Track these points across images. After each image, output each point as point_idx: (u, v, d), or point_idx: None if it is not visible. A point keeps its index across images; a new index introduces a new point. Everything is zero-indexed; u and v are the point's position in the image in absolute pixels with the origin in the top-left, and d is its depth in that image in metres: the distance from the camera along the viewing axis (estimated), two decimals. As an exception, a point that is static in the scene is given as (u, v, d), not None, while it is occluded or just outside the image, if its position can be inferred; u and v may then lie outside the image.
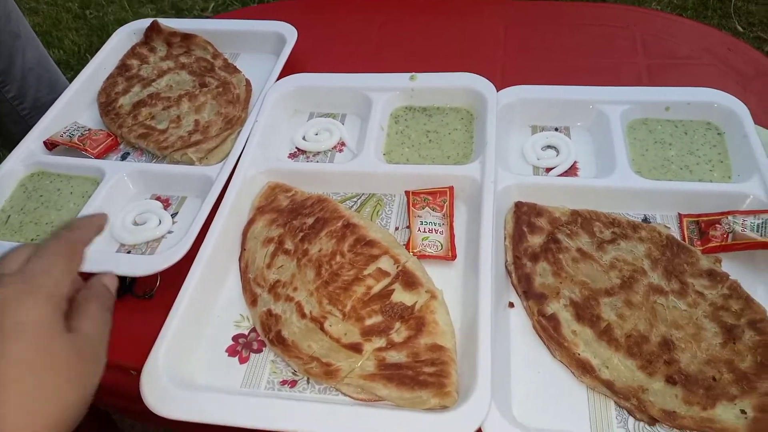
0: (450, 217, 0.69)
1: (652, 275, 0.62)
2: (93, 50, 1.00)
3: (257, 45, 0.98)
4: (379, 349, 0.58)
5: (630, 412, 0.54)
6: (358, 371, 0.57)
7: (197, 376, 0.60)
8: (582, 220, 0.68)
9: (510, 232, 0.67)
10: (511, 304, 0.63)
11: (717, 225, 0.66)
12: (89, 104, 0.92)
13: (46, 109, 0.86)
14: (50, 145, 0.83)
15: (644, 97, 0.79)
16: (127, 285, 0.68)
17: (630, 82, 0.86)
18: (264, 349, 0.62)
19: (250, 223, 0.72)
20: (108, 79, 0.94)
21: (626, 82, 0.86)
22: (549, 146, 0.78)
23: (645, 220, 0.69)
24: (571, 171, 0.75)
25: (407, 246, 0.67)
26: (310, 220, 0.70)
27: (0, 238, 0.73)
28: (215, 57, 0.95)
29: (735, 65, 0.90)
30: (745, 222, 0.64)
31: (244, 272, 0.68)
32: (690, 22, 1.01)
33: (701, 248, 0.65)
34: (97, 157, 0.82)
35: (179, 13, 2.39)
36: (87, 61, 0.95)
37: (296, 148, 0.82)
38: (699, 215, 0.68)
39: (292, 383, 0.59)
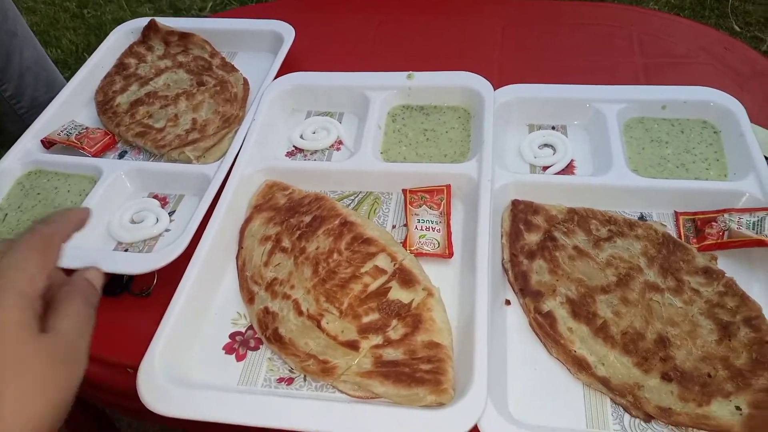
0: (447, 215, 0.69)
1: (648, 273, 0.63)
2: (91, 49, 1.00)
3: (255, 44, 0.98)
4: (376, 347, 0.58)
5: (626, 409, 0.55)
6: (355, 368, 0.57)
7: (194, 374, 0.60)
8: (578, 218, 0.68)
9: (507, 230, 0.68)
10: (508, 302, 0.63)
11: (713, 223, 0.66)
12: (87, 103, 0.92)
13: (44, 108, 0.86)
14: (47, 144, 0.83)
15: (641, 95, 0.79)
16: (124, 283, 0.68)
17: (627, 81, 0.86)
18: (261, 346, 0.62)
19: (248, 221, 0.72)
20: (105, 77, 0.94)
21: (623, 80, 0.86)
22: (546, 145, 0.78)
23: (641, 218, 0.70)
24: (568, 169, 0.75)
25: (404, 244, 0.67)
26: (307, 218, 0.70)
27: (-3, 237, 0.74)
28: (213, 56, 0.95)
29: (731, 64, 0.90)
30: (741, 220, 0.64)
31: (241, 270, 0.68)
32: (686, 22, 1.01)
33: (697, 246, 0.65)
34: (95, 155, 0.82)
35: (177, 13, 2.39)
36: (85, 61, 0.95)
37: (294, 146, 0.82)
38: (695, 213, 0.68)
39: (289, 381, 0.59)
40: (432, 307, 0.60)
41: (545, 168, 0.75)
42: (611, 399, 0.55)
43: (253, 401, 0.55)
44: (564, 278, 0.63)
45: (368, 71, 0.86)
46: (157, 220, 0.74)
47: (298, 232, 0.69)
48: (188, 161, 0.79)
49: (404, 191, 0.72)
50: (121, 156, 0.83)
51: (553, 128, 0.80)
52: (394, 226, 0.71)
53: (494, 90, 0.80)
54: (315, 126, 0.84)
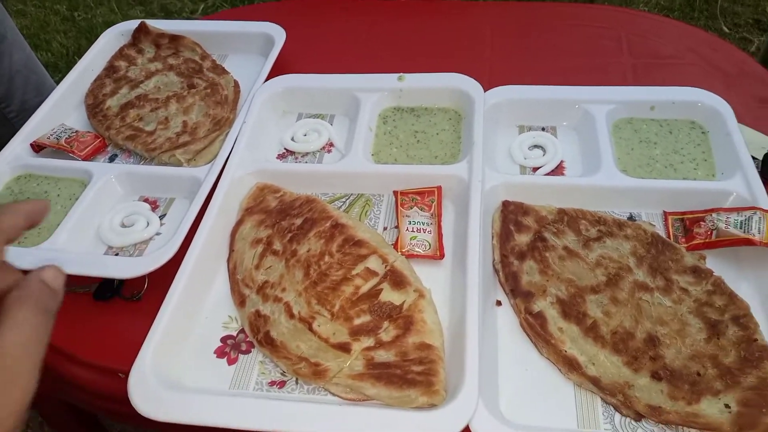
0: (438, 216, 0.69)
1: (637, 272, 0.63)
2: (81, 52, 0.99)
3: (245, 46, 0.98)
4: (368, 349, 0.58)
5: (616, 408, 0.55)
6: (347, 371, 0.57)
7: (185, 378, 0.60)
8: (568, 218, 0.68)
9: (497, 231, 0.68)
10: (499, 303, 0.64)
11: (701, 222, 0.66)
12: (76, 106, 0.91)
13: (33, 112, 0.86)
14: (37, 148, 0.82)
15: (629, 96, 0.80)
16: (114, 287, 0.68)
17: (615, 82, 0.87)
18: (252, 350, 0.62)
19: (239, 224, 0.72)
20: (95, 80, 0.94)
21: (612, 81, 0.87)
22: (536, 146, 0.78)
23: (630, 218, 0.70)
24: (558, 170, 0.75)
25: (395, 246, 0.67)
26: (298, 221, 0.70)
27: (-14, 241, 0.73)
28: (203, 58, 0.95)
29: (719, 65, 0.91)
30: (729, 219, 0.65)
31: (232, 273, 0.68)
32: (675, 23, 1.02)
33: (686, 245, 0.66)
34: (85, 159, 0.81)
35: (168, 16, 2.38)
36: (75, 64, 0.94)
37: (285, 149, 0.82)
38: (683, 213, 0.69)
39: (281, 384, 0.59)
40: (423, 308, 0.60)
41: (535, 169, 0.76)
42: (602, 398, 0.56)
43: (244, 405, 0.55)
44: (554, 278, 0.63)
45: (359, 73, 0.87)
46: (148, 223, 0.73)
47: (290, 234, 0.69)
48: (179, 164, 0.79)
49: (395, 193, 0.72)
50: (111, 159, 0.83)
51: (543, 129, 0.81)
52: (385, 228, 0.71)
53: (484, 91, 0.81)
54: (306, 128, 0.84)
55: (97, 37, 1.00)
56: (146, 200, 0.78)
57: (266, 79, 0.87)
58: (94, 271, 0.67)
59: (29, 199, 0.55)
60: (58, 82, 0.92)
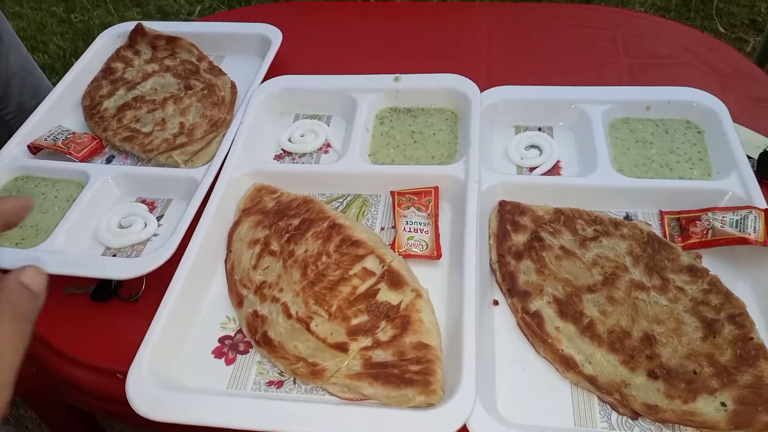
0: (435, 216, 0.69)
1: (633, 271, 0.63)
2: (78, 54, 0.99)
3: (242, 47, 0.98)
4: (365, 349, 0.58)
5: (613, 407, 0.55)
6: (345, 371, 0.57)
7: (183, 379, 0.60)
8: (565, 218, 0.68)
9: (494, 231, 0.68)
10: (496, 302, 0.64)
11: (697, 222, 0.67)
12: (73, 108, 0.91)
13: (30, 114, 0.86)
14: (34, 149, 0.82)
15: (625, 96, 0.80)
16: (112, 288, 0.68)
17: (611, 82, 0.87)
18: (250, 350, 0.62)
19: (236, 224, 0.72)
20: (92, 82, 0.94)
21: (607, 82, 0.87)
22: (532, 146, 0.79)
23: (627, 217, 0.70)
24: (554, 170, 0.76)
25: (393, 246, 0.67)
26: (296, 221, 0.70)
27: (-17, 243, 0.73)
28: (200, 60, 0.95)
29: (714, 65, 0.91)
30: (725, 218, 0.65)
31: (230, 274, 0.68)
32: (670, 23, 1.03)
33: (682, 244, 0.66)
34: (82, 160, 0.81)
35: (165, 17, 2.38)
36: (72, 66, 0.94)
37: (282, 149, 0.82)
38: (679, 212, 0.69)
39: (279, 384, 0.59)
40: (420, 308, 0.60)
41: (532, 169, 0.76)
42: (598, 397, 0.56)
43: (243, 404, 0.55)
44: (551, 278, 0.63)
45: (356, 74, 0.87)
46: (145, 224, 0.73)
47: (287, 235, 0.69)
48: (176, 165, 0.79)
49: (392, 193, 0.72)
50: (108, 161, 0.83)
51: (539, 129, 0.81)
52: (382, 228, 0.72)
53: (481, 92, 0.81)
54: (303, 129, 0.84)
55: (93, 38, 1.00)
56: (143, 201, 0.78)
57: (263, 80, 0.87)
58: (92, 272, 0.67)
59: (11, 197, 0.51)
60: (55, 84, 0.93)
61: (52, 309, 0.66)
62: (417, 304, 0.61)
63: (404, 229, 0.69)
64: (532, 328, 0.60)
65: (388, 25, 1.05)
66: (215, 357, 0.62)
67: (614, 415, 0.55)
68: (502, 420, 0.54)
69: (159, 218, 0.75)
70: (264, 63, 0.90)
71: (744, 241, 0.63)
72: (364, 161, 0.77)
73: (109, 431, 1.26)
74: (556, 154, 0.77)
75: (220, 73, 0.92)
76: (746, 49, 2.01)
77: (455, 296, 0.62)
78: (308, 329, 0.60)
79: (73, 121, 0.90)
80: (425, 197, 0.71)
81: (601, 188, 0.71)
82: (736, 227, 0.64)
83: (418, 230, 0.69)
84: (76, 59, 0.96)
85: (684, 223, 0.68)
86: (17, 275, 0.35)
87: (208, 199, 0.72)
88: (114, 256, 0.71)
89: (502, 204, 0.70)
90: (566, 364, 0.57)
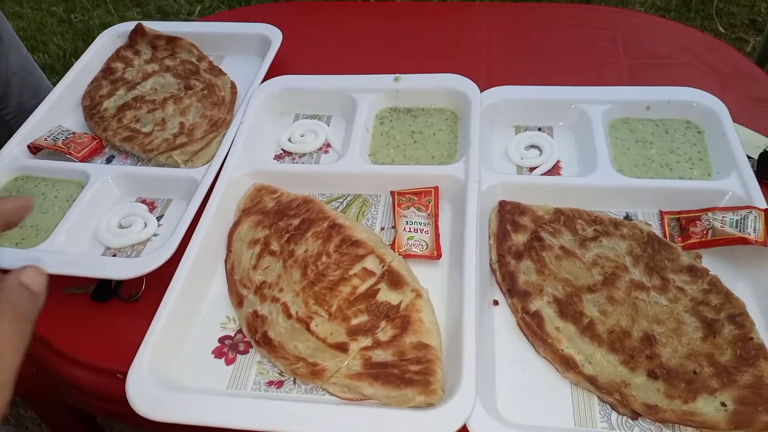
0: (435, 216, 0.69)
1: (633, 271, 0.63)
2: (78, 54, 0.99)
3: (242, 47, 0.98)
4: (365, 348, 0.58)
5: (613, 407, 0.55)
6: (345, 371, 0.57)
7: (183, 379, 0.60)
8: (565, 218, 0.68)
9: (494, 231, 0.68)
10: (496, 302, 0.64)
11: (697, 221, 0.67)
12: (73, 108, 0.91)
13: (30, 114, 0.86)
14: (34, 149, 0.82)
15: (625, 96, 0.80)
16: (112, 288, 0.68)
17: (611, 82, 0.87)
18: (250, 350, 0.62)
19: (236, 224, 0.72)
20: (92, 82, 0.94)
21: (607, 82, 0.87)
22: (532, 146, 0.79)
23: (627, 217, 0.70)
24: (554, 170, 0.76)
25: (393, 246, 0.67)
26: (296, 221, 0.70)
27: (-17, 243, 0.73)
28: (200, 60, 0.95)
29: (714, 65, 0.91)
30: (725, 218, 0.65)
31: (230, 274, 0.68)
32: (670, 23, 1.03)
33: (682, 244, 0.66)
34: (82, 160, 0.81)
35: (165, 17, 2.38)
36: (72, 66, 0.94)
37: (282, 149, 0.82)
38: (679, 212, 0.69)
39: (279, 384, 0.59)
40: (420, 308, 0.60)
41: (532, 169, 0.76)
42: (598, 397, 0.56)
43: (243, 404, 0.55)
44: (551, 278, 0.63)
45: (356, 74, 0.87)
46: (145, 224, 0.73)
47: (287, 235, 0.69)
48: (176, 165, 0.79)
49: (392, 193, 0.72)
50: (108, 161, 0.83)
51: (539, 129, 0.81)
52: (382, 228, 0.72)
53: (481, 92, 0.81)
54: (303, 129, 0.84)
55: (93, 38, 1.00)
56: (143, 201, 0.78)
57: (263, 80, 0.87)
58: (92, 272, 0.67)
59: (11, 197, 0.50)
60: (55, 84, 0.93)
61: (52, 309, 0.66)
62: (417, 304, 0.61)
63: (404, 229, 0.69)
64: (532, 328, 0.60)
65: (388, 25, 1.05)
66: (215, 357, 0.62)
67: (614, 415, 0.55)
68: (502, 420, 0.54)
69: (159, 218, 0.75)
70: (264, 63, 0.90)
71: (744, 241, 0.63)
72: (364, 161, 0.77)
73: (109, 431, 1.26)
74: (556, 154, 0.77)
75: (220, 73, 0.92)
76: (746, 49, 2.01)
77: (455, 296, 0.61)
78: (308, 329, 0.60)
79: (73, 121, 0.90)
80: (425, 197, 0.71)
81: (601, 188, 0.71)
82: (736, 227, 0.64)
83: (418, 230, 0.69)
84: (76, 59, 0.96)
85: (684, 223, 0.68)
86: (17, 275, 0.35)
87: (208, 199, 0.72)
88: (114, 256, 0.71)
89: (502, 204, 0.70)
90: (566, 364, 0.57)
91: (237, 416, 0.54)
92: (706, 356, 0.57)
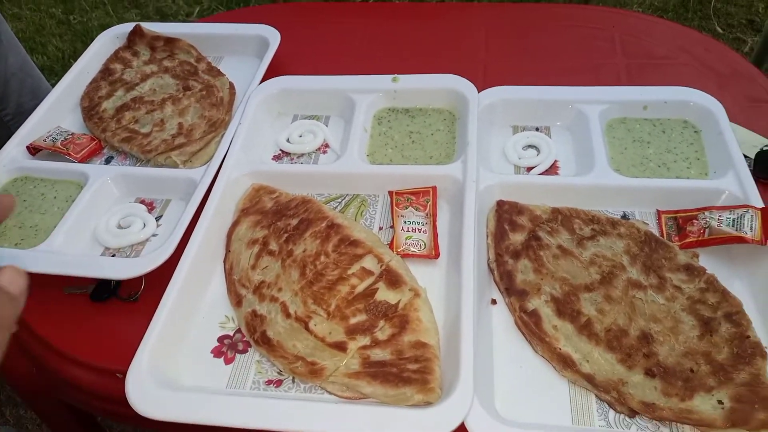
0: (433, 216, 0.70)
1: (631, 270, 0.63)
2: (77, 56, 0.99)
3: (240, 48, 0.98)
4: (364, 348, 0.58)
5: (610, 405, 0.55)
6: (343, 370, 0.57)
7: (183, 378, 0.60)
8: (562, 217, 0.69)
9: (492, 231, 0.68)
10: (494, 301, 0.64)
11: (694, 221, 0.67)
12: (72, 109, 0.91)
13: (29, 115, 0.86)
14: (33, 150, 0.83)
15: (622, 96, 0.81)
16: (111, 288, 0.68)
17: (609, 82, 0.88)
18: (249, 349, 0.62)
19: (235, 225, 0.73)
20: (91, 83, 0.94)
21: (605, 82, 0.87)
22: (530, 146, 0.79)
23: (624, 216, 0.71)
24: (552, 170, 0.76)
25: (391, 245, 0.67)
26: (294, 221, 0.70)
27: (-17, 244, 0.73)
28: (199, 60, 0.95)
29: (711, 65, 0.92)
30: (721, 217, 0.65)
31: (228, 274, 0.68)
32: (668, 23, 1.03)
33: (679, 243, 0.66)
34: (81, 161, 0.82)
35: (164, 18, 2.38)
36: (71, 67, 0.94)
37: (280, 150, 0.83)
38: (677, 211, 0.69)
39: (278, 383, 0.59)
40: (419, 307, 0.61)
41: (529, 169, 0.76)
42: (596, 395, 0.56)
43: (242, 403, 0.55)
44: (548, 277, 0.63)
45: (354, 74, 0.87)
46: (144, 225, 0.74)
47: (286, 235, 0.69)
48: (175, 166, 0.79)
49: (390, 193, 0.72)
50: (107, 161, 0.83)
51: (537, 129, 0.81)
52: (380, 228, 0.72)
53: (478, 92, 0.81)
54: (301, 129, 0.84)
55: (92, 40, 1.00)
56: (142, 202, 0.78)
57: (261, 81, 0.88)
58: (91, 273, 0.67)
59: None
60: (53, 85, 0.93)
61: (52, 309, 0.67)
62: (415, 303, 0.61)
63: (402, 228, 0.69)
64: (530, 326, 0.60)
65: (386, 26, 1.05)
66: (214, 356, 0.62)
67: (612, 413, 0.55)
68: (500, 418, 0.54)
69: (158, 218, 0.75)
70: (262, 64, 0.90)
71: (741, 240, 0.63)
72: (362, 161, 0.77)
73: (109, 431, 1.26)
74: (554, 154, 0.77)
75: (219, 73, 0.92)
76: (744, 49, 2.02)
77: (453, 295, 0.62)
78: (307, 328, 0.60)
79: (72, 122, 0.90)
80: (423, 197, 0.71)
81: (599, 188, 0.71)
82: (733, 226, 0.64)
83: (417, 230, 0.69)
84: (75, 60, 0.96)
85: (681, 222, 0.68)
86: None
87: (206, 199, 0.72)
88: (113, 256, 0.71)
89: (500, 203, 0.70)
90: (564, 363, 0.57)
91: (236, 415, 0.54)
92: (703, 354, 0.57)
